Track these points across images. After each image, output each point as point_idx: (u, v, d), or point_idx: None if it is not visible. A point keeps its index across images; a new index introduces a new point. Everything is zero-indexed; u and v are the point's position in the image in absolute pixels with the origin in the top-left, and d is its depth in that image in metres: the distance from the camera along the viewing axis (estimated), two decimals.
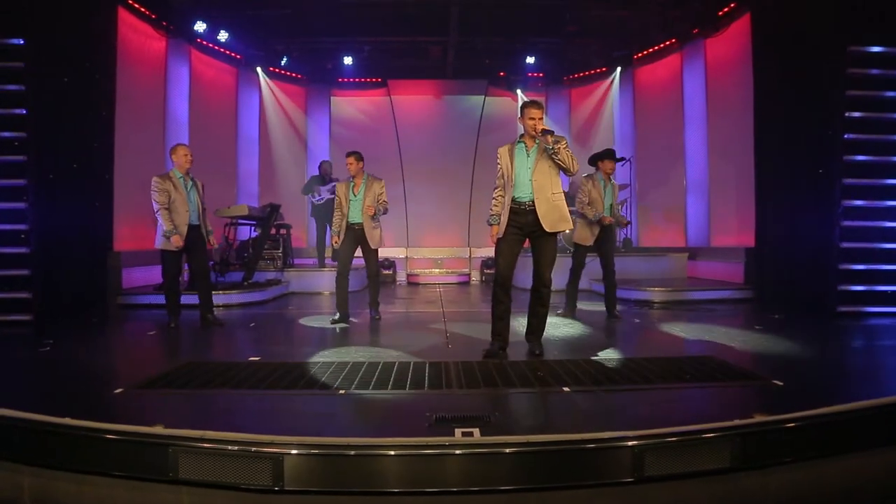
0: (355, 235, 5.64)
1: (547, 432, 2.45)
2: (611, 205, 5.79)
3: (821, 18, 6.08)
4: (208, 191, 7.87)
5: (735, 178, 8.22)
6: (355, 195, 5.63)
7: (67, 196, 6.17)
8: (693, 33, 9.17)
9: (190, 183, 5.40)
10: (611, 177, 5.85)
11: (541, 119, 3.92)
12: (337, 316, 5.65)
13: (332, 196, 8.78)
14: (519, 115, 4.07)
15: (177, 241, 5.19)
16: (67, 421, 2.46)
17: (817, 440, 2.45)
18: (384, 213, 5.73)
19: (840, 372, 3.73)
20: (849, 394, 3.18)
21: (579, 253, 5.85)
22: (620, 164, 10.17)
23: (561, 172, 3.97)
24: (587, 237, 5.75)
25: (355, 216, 5.61)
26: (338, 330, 5.37)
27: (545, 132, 3.84)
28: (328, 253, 9.31)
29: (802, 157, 6.34)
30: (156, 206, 5.25)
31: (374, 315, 5.92)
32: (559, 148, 3.85)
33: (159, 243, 5.26)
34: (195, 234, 5.37)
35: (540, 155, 3.94)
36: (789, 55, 6.51)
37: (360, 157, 5.72)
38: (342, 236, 5.65)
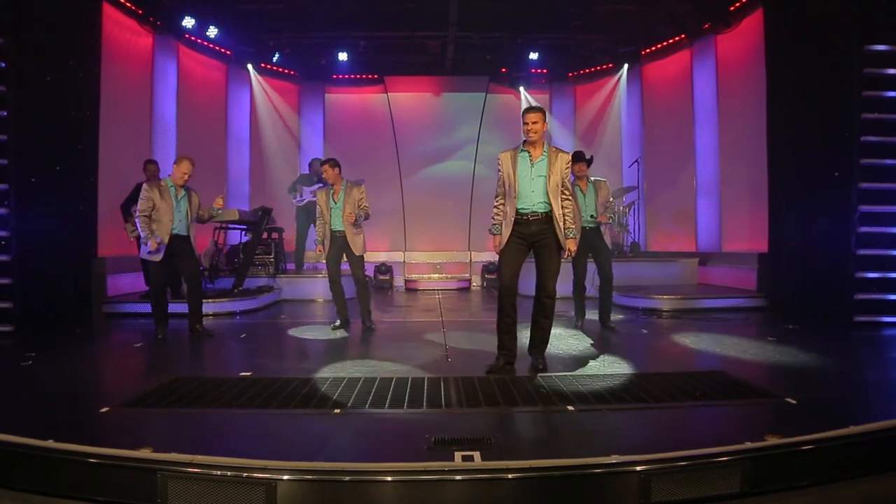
0: (339, 243, 5.84)
1: (551, 456, 2.46)
2: (595, 205, 5.72)
3: (836, 15, 6.10)
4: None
5: (748, 179, 8.24)
6: (335, 203, 5.81)
7: (50, 200, 6.17)
8: (703, 29, 9.20)
9: (182, 193, 5.48)
10: (588, 177, 5.80)
11: (535, 123, 3.95)
12: (337, 322, 5.96)
13: (315, 199, 8.85)
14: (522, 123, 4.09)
15: (153, 245, 5.27)
16: (51, 444, 2.48)
17: (833, 463, 2.46)
18: (366, 218, 5.90)
19: (857, 388, 3.74)
20: (866, 413, 3.18)
21: (573, 261, 5.82)
22: (629, 165, 10.24)
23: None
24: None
25: (337, 224, 5.82)
26: (332, 341, 5.39)
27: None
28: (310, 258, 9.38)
29: (817, 159, 6.36)
30: (136, 212, 5.47)
31: (368, 325, 6.00)
32: (568, 225, 4.00)
33: (143, 253, 5.36)
34: (180, 244, 5.44)
35: (550, 169, 3.97)
36: (803, 53, 6.53)
37: (334, 163, 5.88)
38: (327, 245, 5.86)
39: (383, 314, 6.98)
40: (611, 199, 5.81)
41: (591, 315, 6.27)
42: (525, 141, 4.05)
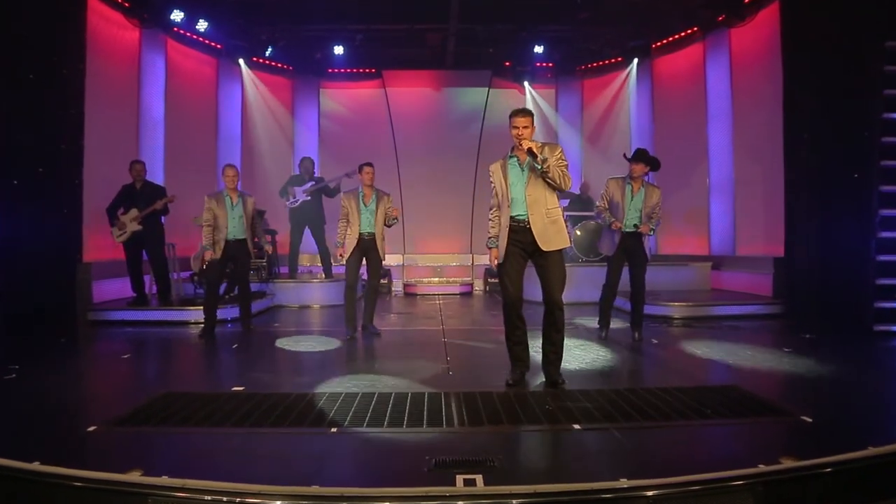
0: (364, 246, 6.00)
1: (557, 480, 2.49)
2: (640, 210, 5.68)
3: (856, 10, 6.12)
4: (187, 195, 7.97)
5: (763, 180, 8.26)
6: (366, 206, 5.99)
7: (33, 203, 6.22)
8: (717, 21, 9.21)
9: (237, 199, 6.24)
10: (643, 180, 5.76)
11: (526, 128, 3.96)
12: (350, 333, 6.01)
13: (308, 198, 8.89)
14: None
15: (207, 256, 6.16)
16: (37, 466, 2.51)
17: (851, 488, 2.48)
18: (392, 223, 6.21)
19: (877, 405, 3.76)
20: (887, 432, 3.20)
21: (609, 265, 5.90)
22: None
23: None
24: (609, 246, 5.78)
25: (367, 226, 5.97)
26: (328, 352, 5.41)
27: (531, 152, 3.87)
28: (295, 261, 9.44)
29: (836, 159, 6.39)
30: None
31: (373, 331, 6.19)
32: (549, 165, 3.89)
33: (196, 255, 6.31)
34: (238, 248, 6.23)
35: (532, 169, 3.99)
36: (821, 49, 6.55)
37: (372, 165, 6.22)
38: (349, 246, 5.95)
39: (381, 321, 7.00)
40: (658, 210, 5.73)
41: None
42: (513, 147, 4.08)
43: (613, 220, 5.70)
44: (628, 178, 5.77)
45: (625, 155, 6.03)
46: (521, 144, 3.93)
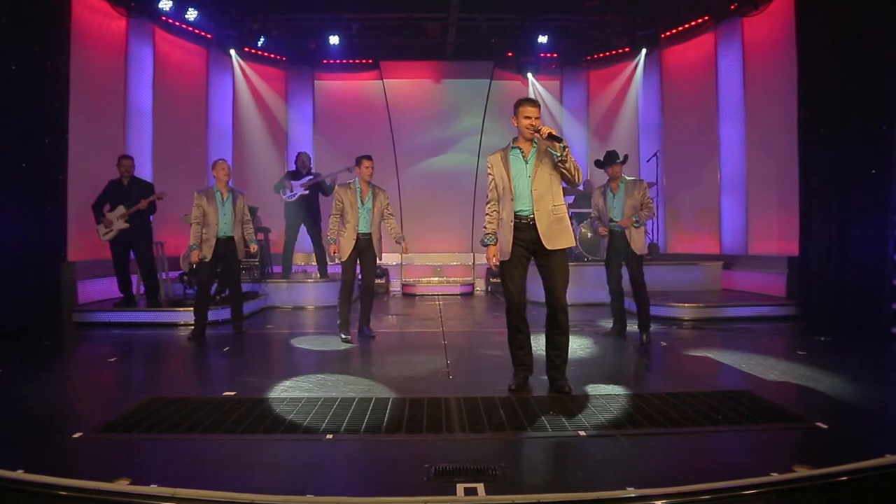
0: (359, 246, 5.98)
1: (562, 489, 2.50)
2: (623, 207, 5.85)
3: None
4: (176, 192, 7.97)
5: (777, 176, 8.27)
6: (363, 204, 5.97)
7: (15, 200, 6.24)
8: (729, 10, 9.21)
9: (227, 196, 6.28)
10: (620, 179, 5.96)
11: (538, 119, 3.95)
12: (344, 335, 6.00)
13: (306, 192, 8.90)
14: (513, 115, 4.07)
15: (194, 256, 6.17)
16: (21, 475, 2.52)
17: (867, 496, 2.49)
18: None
19: (895, 410, 3.76)
20: None
21: (606, 268, 6.10)
22: (647, 160, 10.31)
23: (563, 183, 4.05)
24: (601, 249, 5.98)
25: (365, 227, 5.97)
26: (323, 356, 5.42)
27: (552, 137, 3.84)
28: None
29: (854, 154, 6.39)
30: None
31: (368, 333, 6.20)
32: (568, 153, 3.88)
33: (185, 256, 6.19)
34: (226, 246, 6.26)
35: (539, 161, 3.97)
36: (838, 38, 6.55)
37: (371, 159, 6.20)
38: (344, 246, 5.93)
39: (379, 323, 7.02)
40: (649, 202, 5.92)
41: (602, 325, 6.32)
42: (515, 138, 4.08)
43: (600, 226, 6.06)
44: (608, 182, 6.05)
45: (596, 163, 6.36)
46: (540, 132, 3.87)
